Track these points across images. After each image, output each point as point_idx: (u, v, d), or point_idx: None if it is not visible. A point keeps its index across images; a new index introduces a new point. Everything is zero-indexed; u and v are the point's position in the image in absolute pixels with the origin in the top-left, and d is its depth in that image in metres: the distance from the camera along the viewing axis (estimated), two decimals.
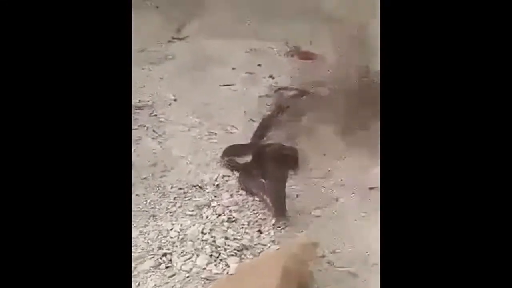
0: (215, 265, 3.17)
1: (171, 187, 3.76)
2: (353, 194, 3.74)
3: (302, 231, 3.58)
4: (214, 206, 3.65)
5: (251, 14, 5.03)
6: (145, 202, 3.63)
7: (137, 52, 4.69)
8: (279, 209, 3.59)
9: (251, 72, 4.76)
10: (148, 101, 4.22)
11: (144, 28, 4.87)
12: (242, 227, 3.55)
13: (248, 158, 4.05)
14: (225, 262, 3.17)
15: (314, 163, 4.07)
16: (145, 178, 3.78)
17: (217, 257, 3.22)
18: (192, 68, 4.70)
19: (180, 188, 3.78)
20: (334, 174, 4.02)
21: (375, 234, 3.05)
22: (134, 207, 3.53)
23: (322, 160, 4.12)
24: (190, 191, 3.79)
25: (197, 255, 3.20)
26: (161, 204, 3.63)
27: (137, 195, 3.65)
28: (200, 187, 3.83)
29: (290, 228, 3.56)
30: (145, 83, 4.40)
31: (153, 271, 3.03)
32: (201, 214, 3.59)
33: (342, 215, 3.66)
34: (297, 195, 3.78)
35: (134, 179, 3.68)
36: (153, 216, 3.53)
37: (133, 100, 4.16)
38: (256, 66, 4.84)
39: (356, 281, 3.03)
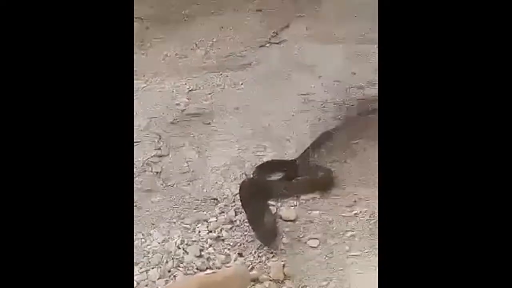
0: (165, 280, 3.37)
1: (190, 197, 4.00)
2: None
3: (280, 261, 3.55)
4: (210, 222, 3.80)
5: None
6: (155, 209, 3.92)
7: (222, 57, 4.92)
8: (264, 235, 3.61)
9: (340, 80, 4.66)
10: (206, 109, 4.45)
11: (242, 32, 5.07)
12: (226, 247, 3.66)
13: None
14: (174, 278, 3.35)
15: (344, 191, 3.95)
16: (169, 185, 4.06)
17: (171, 274, 3.41)
18: (274, 74, 4.78)
19: (197, 200, 3.99)
20: (361, 204, 3.85)
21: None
22: (143, 213, 3.86)
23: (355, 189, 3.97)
24: (204, 204, 3.97)
25: (153, 268, 3.42)
26: (169, 213, 3.90)
27: (152, 201, 3.95)
28: (216, 201, 3.98)
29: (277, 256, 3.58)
30: (213, 89, 4.63)
31: None
32: (195, 229, 3.77)
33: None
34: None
35: (158, 186, 4.01)
36: (153, 224, 3.82)
37: (191, 106, 4.45)
38: (350, 74, 4.71)
39: None
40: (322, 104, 4.56)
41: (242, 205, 3.78)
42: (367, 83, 4.60)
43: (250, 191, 3.74)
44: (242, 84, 4.73)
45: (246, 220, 3.77)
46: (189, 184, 4.10)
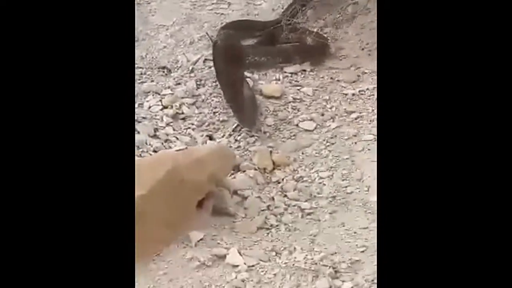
0: None
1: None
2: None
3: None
4: (164, 95, 2.87)
5: None
6: None
7: None
8: (248, 114, 2.82)
9: None
10: None
11: None
12: (189, 127, 2.76)
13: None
14: None
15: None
16: None
17: None
18: None
19: (140, 68, 3.03)
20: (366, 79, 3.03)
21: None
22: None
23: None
24: (150, 73, 3.03)
25: None
26: None
27: None
28: (168, 70, 3.05)
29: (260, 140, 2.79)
30: None
31: None
32: (143, 103, 2.83)
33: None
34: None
35: None
36: None
37: None
38: None
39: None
40: None
41: (216, 74, 2.91)
42: None
43: (223, 57, 2.83)
44: None
45: (215, 94, 2.94)
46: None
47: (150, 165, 2.37)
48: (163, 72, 3.07)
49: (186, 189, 2.44)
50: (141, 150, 2.58)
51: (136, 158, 2.35)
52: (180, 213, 2.50)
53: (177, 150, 2.41)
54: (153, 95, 2.88)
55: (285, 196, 2.52)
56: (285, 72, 3.07)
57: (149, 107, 2.83)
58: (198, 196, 2.53)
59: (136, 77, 3.00)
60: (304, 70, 3.08)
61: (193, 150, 2.47)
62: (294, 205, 2.49)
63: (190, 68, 3.06)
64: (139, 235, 1.69)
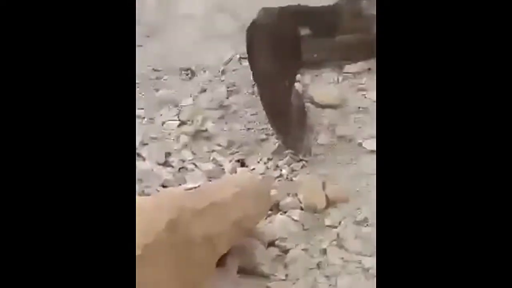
0: None
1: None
2: None
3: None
4: (183, 106, 2.32)
5: None
6: None
7: None
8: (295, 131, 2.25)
9: None
10: None
11: None
12: (214, 150, 2.17)
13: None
14: None
15: None
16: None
17: None
18: None
19: (156, 70, 2.52)
20: None
21: None
22: None
23: None
24: (168, 78, 2.57)
25: None
26: None
27: None
28: (191, 73, 2.58)
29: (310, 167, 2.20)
30: None
31: None
32: (155, 118, 2.30)
33: None
34: None
35: None
36: None
37: None
38: None
39: None
40: None
41: (253, 74, 2.30)
42: None
43: (265, 46, 2.21)
44: None
45: (250, 104, 2.37)
46: None
47: (149, 211, 1.73)
48: (186, 74, 2.53)
49: (196, 244, 1.77)
50: (144, 185, 1.98)
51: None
52: (191, 278, 1.80)
53: (187, 190, 1.78)
54: (169, 107, 2.32)
55: (343, 247, 1.90)
56: (346, 72, 2.52)
57: (163, 123, 2.28)
58: (216, 253, 1.84)
59: (150, 82, 2.51)
60: (370, 69, 2.48)
61: (210, 190, 1.87)
62: (355, 261, 1.87)
63: (221, 69, 2.52)
64: None
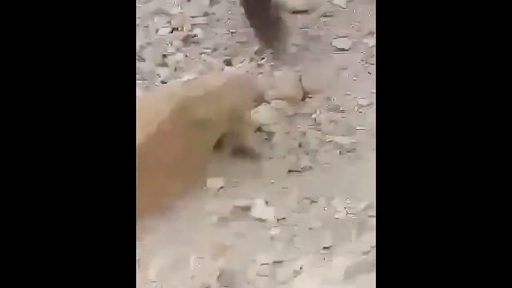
0: None
1: None
2: None
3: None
4: (173, 15, 2.54)
5: None
6: None
7: None
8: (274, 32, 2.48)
9: None
10: None
11: None
12: (204, 52, 2.42)
13: None
14: None
15: None
16: None
17: None
18: None
19: None
20: None
21: None
22: None
23: None
24: None
25: None
26: None
27: None
28: None
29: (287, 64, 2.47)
30: None
31: None
32: (149, 25, 2.53)
33: None
34: None
35: None
36: None
37: None
38: None
39: None
40: None
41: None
42: None
43: None
44: None
45: (232, 12, 2.61)
46: None
47: (153, 102, 2.04)
48: None
49: (198, 129, 2.09)
50: (147, 81, 2.26)
51: (138, 93, 2.04)
52: (192, 159, 2.15)
53: (185, 81, 2.08)
54: (160, 16, 2.55)
55: (319, 130, 2.21)
56: None
57: (156, 30, 2.52)
58: (214, 136, 2.18)
59: None
60: None
61: (205, 81, 2.15)
62: (330, 141, 2.17)
63: None
64: (141, 188, 1.37)
